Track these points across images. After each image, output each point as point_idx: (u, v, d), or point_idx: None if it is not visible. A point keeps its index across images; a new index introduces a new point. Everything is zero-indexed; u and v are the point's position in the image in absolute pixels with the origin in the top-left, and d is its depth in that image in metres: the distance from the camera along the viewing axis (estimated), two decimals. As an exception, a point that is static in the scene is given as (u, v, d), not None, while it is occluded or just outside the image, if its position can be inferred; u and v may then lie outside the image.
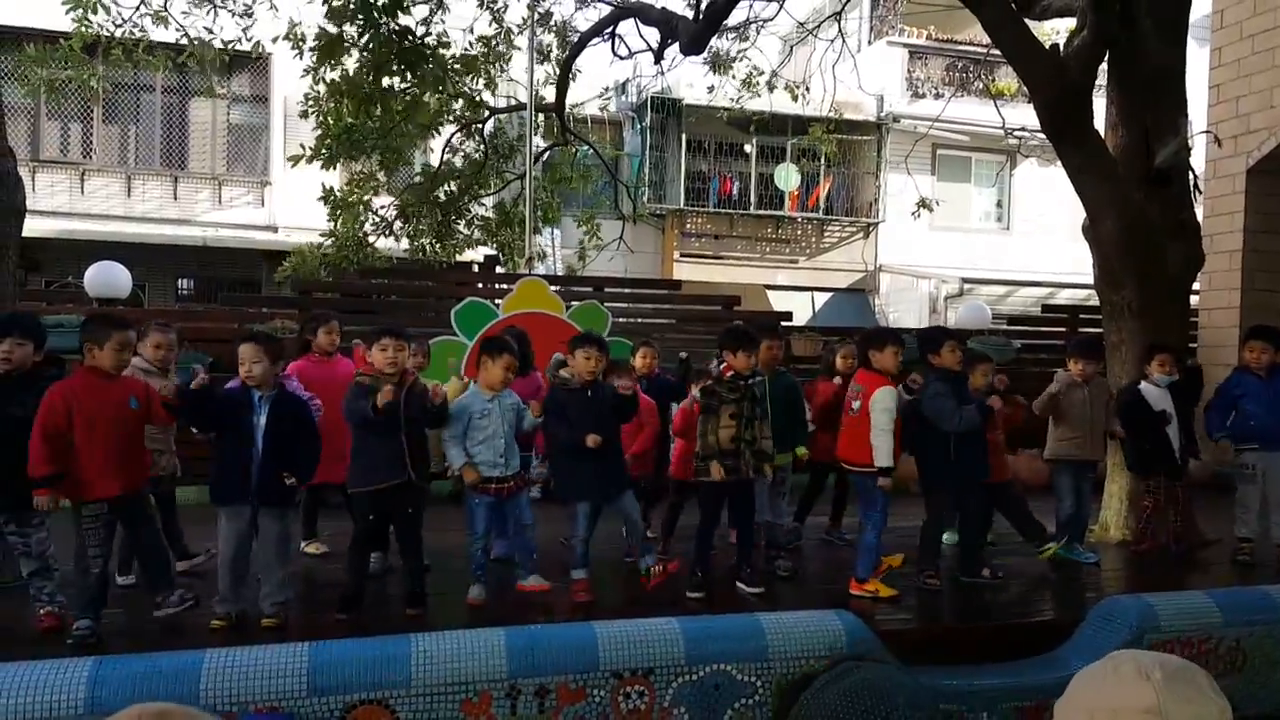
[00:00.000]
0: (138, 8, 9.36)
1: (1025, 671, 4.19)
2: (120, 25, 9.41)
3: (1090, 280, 7.13)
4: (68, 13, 9.02)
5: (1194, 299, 8.57)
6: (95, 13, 9.05)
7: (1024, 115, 11.51)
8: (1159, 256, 6.63)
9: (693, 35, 8.11)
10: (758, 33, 11.71)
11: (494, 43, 11.55)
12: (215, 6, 9.75)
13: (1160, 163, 6.60)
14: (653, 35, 9.69)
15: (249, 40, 10.02)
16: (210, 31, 9.96)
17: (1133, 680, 1.39)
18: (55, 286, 13.80)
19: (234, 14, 9.88)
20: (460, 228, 12.47)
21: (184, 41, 10.05)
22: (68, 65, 9.95)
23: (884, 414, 5.04)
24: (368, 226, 11.79)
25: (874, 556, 5.25)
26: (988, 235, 19.85)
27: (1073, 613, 4.92)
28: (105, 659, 3.30)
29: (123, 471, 4.24)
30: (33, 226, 5.46)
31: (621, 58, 10.77)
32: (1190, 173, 6.94)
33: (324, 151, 10.93)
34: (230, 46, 10.17)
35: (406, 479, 4.66)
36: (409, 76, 8.61)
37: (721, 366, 5.25)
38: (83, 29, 9.18)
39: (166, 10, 9.44)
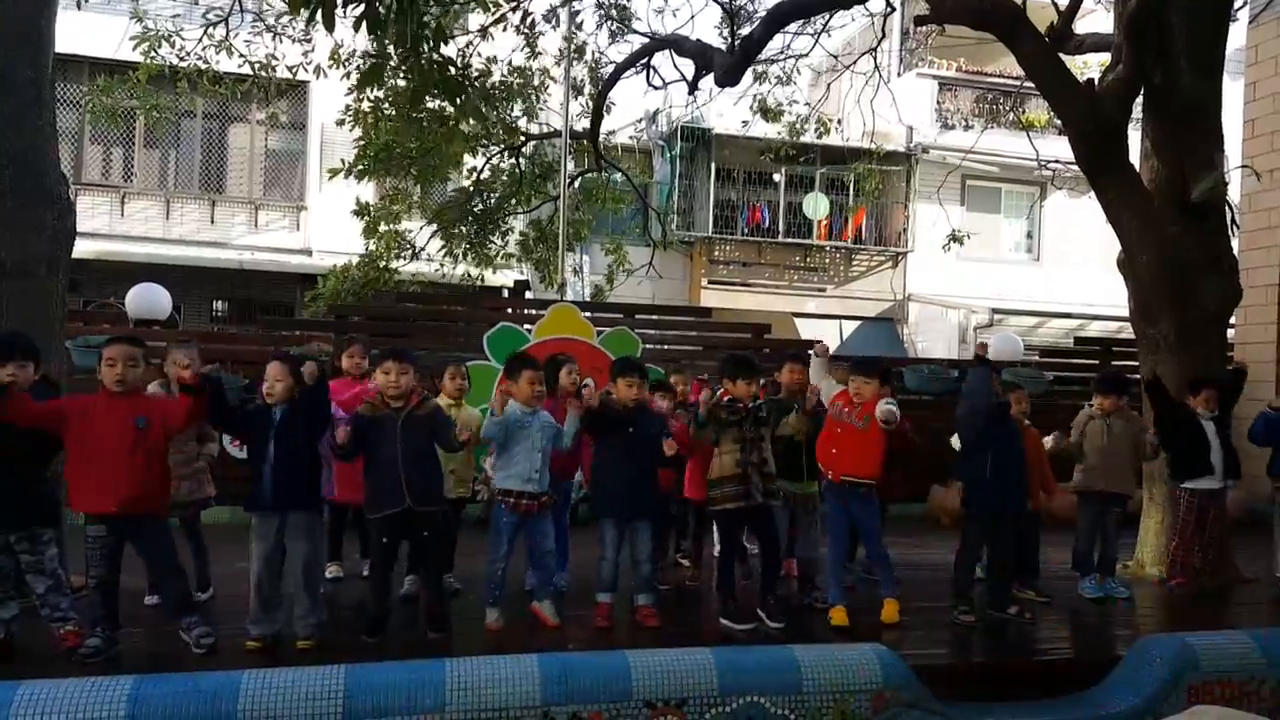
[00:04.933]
0: (200, 39, 9.56)
1: (1061, 710, 4.14)
2: (184, 59, 9.64)
3: (1123, 312, 7.09)
4: (135, 48, 9.22)
5: (1230, 333, 8.49)
6: (160, 46, 9.27)
7: (1055, 147, 11.51)
8: (1195, 291, 6.59)
9: (727, 67, 8.17)
10: (794, 68, 11.74)
11: (531, 73, 11.67)
12: (276, 34, 9.95)
13: (1197, 197, 6.57)
14: (687, 66, 9.76)
15: (309, 67, 10.24)
16: (274, 59, 10.18)
17: None
18: (94, 307, 13.99)
19: (295, 40, 10.10)
20: (495, 240, 12.53)
21: (238, 69, 10.26)
22: (133, 96, 10.20)
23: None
24: (392, 248, 11.91)
25: (891, 576, 5.32)
26: (1018, 266, 19.74)
27: (1106, 651, 4.87)
28: (146, 678, 3.33)
29: (122, 491, 4.22)
30: (73, 248, 5.59)
31: (656, 88, 10.88)
32: (1228, 207, 6.90)
33: (361, 166, 11.08)
34: (294, 71, 10.41)
35: (405, 506, 4.62)
36: (449, 105, 8.75)
37: (720, 392, 5.28)
38: (149, 62, 9.39)
39: (229, 41, 9.65)
